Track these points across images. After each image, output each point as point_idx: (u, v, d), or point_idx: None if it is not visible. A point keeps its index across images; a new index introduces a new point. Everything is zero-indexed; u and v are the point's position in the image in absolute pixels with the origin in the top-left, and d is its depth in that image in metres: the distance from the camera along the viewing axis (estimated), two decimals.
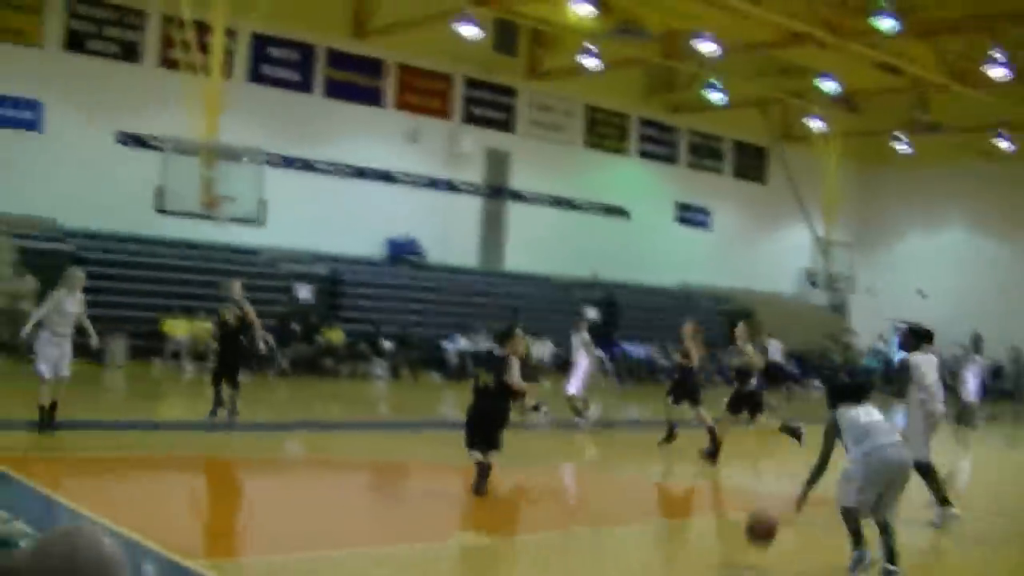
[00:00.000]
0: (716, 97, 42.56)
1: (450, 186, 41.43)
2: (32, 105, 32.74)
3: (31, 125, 32.72)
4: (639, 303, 43.65)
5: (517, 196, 43.28)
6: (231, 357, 20.88)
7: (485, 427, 14.66)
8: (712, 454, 19.25)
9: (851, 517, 10.89)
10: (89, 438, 17.85)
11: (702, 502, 16.71)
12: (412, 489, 16.77)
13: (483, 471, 14.41)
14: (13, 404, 18.74)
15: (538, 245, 42.95)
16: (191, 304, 32.08)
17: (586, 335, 25.63)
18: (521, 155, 43.28)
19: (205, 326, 31.58)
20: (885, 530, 10.83)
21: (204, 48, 29.41)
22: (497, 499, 16.07)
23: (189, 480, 15.53)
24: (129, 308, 30.94)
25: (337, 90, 38.55)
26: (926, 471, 13.86)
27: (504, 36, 41.44)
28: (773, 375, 37.26)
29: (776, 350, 37.62)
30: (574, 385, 24.77)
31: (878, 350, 50.21)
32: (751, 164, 51.16)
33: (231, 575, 9.87)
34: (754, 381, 19.60)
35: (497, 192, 42.89)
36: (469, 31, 35.25)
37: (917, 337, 14.54)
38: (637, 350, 40.82)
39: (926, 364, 14.27)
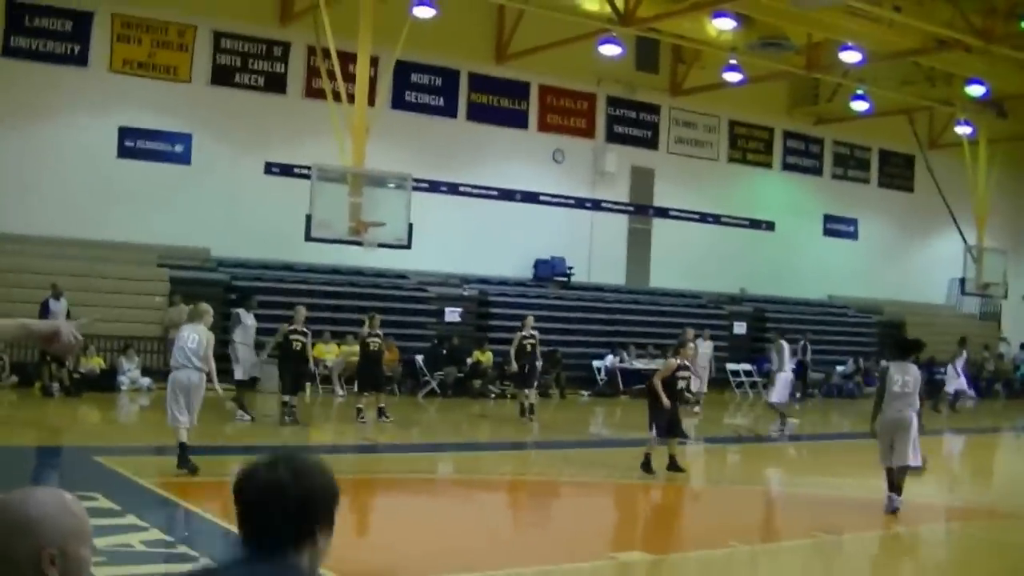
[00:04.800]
0: (861, 107, 42.11)
1: (595, 205, 41.42)
2: (182, 138, 33.43)
3: (182, 158, 33.41)
4: (787, 317, 43.28)
5: (662, 213, 43.16)
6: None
7: None
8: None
9: (886, 472, 15.60)
10: (240, 460, 18.10)
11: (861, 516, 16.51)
12: (566, 507, 16.83)
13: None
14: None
15: (684, 261, 42.77)
16: (341, 329, 32.44)
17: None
18: (665, 172, 43.13)
19: (354, 349, 31.97)
20: (900, 472, 15.46)
21: (348, 77, 29.78)
22: (653, 517, 16.12)
23: (344, 502, 15.67)
24: None
25: (481, 114, 38.76)
26: None
27: (646, 54, 41.37)
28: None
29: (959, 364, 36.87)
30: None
31: None
32: (898, 173, 50.45)
33: None
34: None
35: (642, 210, 42.80)
36: (611, 51, 35.32)
37: None
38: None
39: None
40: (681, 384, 18.85)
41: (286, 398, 24.08)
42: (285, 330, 24.14)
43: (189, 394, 16.37)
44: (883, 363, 21.37)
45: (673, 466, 18.46)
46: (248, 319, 24.71)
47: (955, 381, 35.68)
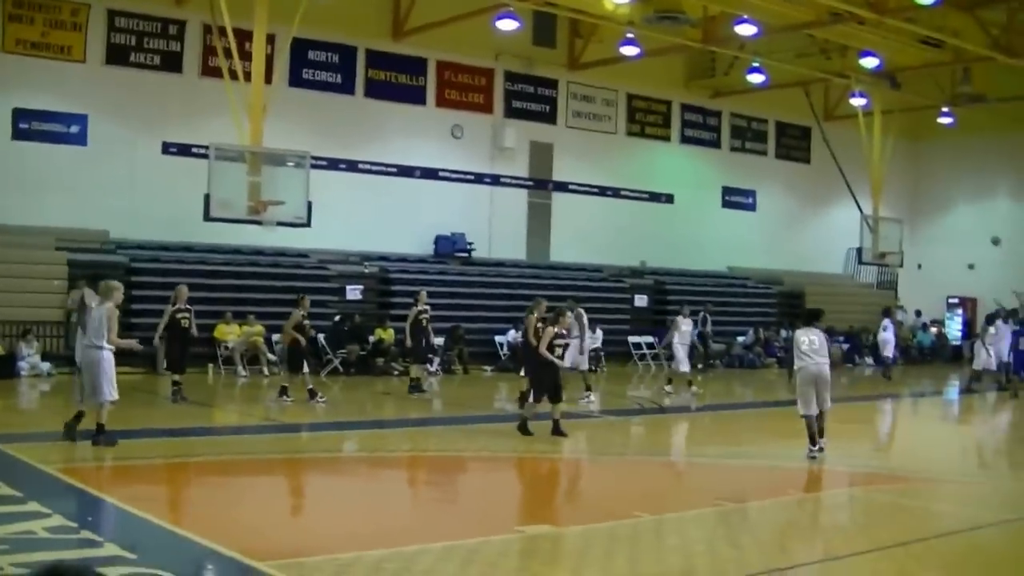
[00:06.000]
0: (757, 79, 42.49)
1: (495, 180, 41.47)
2: (78, 119, 33.02)
3: (77, 139, 33.01)
4: (688, 289, 43.56)
5: (562, 187, 43.28)
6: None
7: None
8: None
9: (807, 423, 18.06)
10: (148, 446, 17.97)
11: (758, 484, 16.69)
12: (472, 482, 16.90)
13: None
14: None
15: (585, 235, 42.99)
16: (242, 309, 32.31)
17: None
18: (564, 146, 43.29)
19: (256, 330, 31.81)
20: (820, 417, 18.10)
21: (244, 55, 29.59)
22: (558, 489, 16.21)
23: (251, 482, 15.64)
24: None
25: (378, 90, 38.64)
26: None
27: (543, 28, 41.49)
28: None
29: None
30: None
31: (925, 324, 50.23)
32: (795, 145, 50.98)
33: (298, 575, 9.96)
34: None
35: (542, 184, 42.89)
36: (508, 25, 35.36)
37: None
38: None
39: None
40: (559, 351, 20.35)
41: (176, 377, 24.21)
42: (170, 310, 24.09)
43: (89, 370, 16.85)
44: (783, 332, 23.10)
45: (557, 431, 19.79)
46: (94, 302, 23.93)
47: (890, 346, 38.36)
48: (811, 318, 19.14)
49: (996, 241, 50.93)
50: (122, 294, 17.75)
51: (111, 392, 16.80)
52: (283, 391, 24.72)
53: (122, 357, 19.58)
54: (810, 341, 18.18)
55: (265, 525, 12.28)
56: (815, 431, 18.08)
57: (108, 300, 17.20)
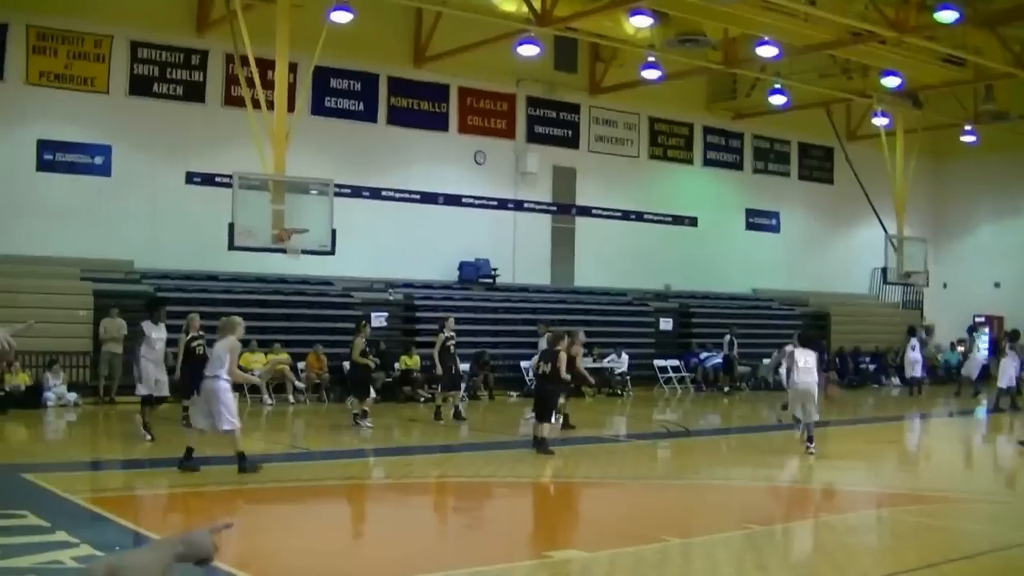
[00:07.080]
0: (779, 101, 42.45)
1: (518, 206, 41.49)
2: (102, 150, 33.16)
3: (101, 170, 33.13)
4: (713, 311, 43.51)
5: (585, 212, 43.29)
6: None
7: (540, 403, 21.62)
8: None
9: (800, 423, 21.42)
10: (175, 473, 17.96)
11: (784, 506, 16.65)
12: (499, 508, 16.86)
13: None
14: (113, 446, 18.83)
15: (609, 259, 42.98)
16: (267, 338, 32.33)
17: None
18: (587, 171, 43.31)
19: (283, 357, 31.83)
20: (809, 424, 21.01)
21: (267, 84, 29.66)
22: (585, 514, 16.18)
23: (277, 510, 15.63)
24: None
25: (401, 117, 38.71)
26: None
27: (564, 53, 41.57)
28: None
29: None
30: None
31: (952, 343, 49.96)
32: (817, 165, 50.93)
33: None
34: None
35: (565, 209, 42.91)
36: (529, 51, 35.41)
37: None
38: (714, 359, 40.68)
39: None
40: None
41: (187, 402, 24.19)
42: (185, 339, 24.04)
43: (208, 400, 17.74)
44: (788, 347, 24.49)
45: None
46: (153, 332, 23.05)
47: (918, 365, 40.21)
48: (810, 341, 22.83)
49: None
50: (243, 329, 18.44)
51: (231, 421, 17.49)
52: (363, 415, 25.19)
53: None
54: (806, 361, 21.20)
55: (291, 552, 12.27)
56: (811, 433, 21.05)
57: (230, 334, 17.90)
